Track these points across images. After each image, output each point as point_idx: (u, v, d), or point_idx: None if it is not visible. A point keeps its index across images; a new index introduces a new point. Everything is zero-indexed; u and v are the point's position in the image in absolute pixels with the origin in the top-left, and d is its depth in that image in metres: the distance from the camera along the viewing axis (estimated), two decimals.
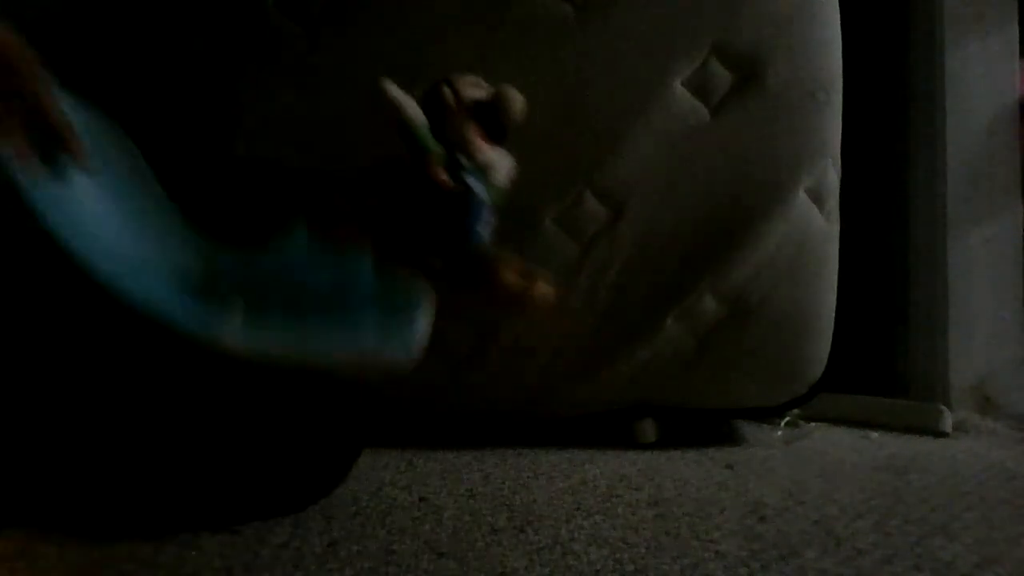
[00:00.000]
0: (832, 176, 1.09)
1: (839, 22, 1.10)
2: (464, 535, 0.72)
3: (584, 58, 1.04)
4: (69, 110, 0.59)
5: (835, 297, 1.11)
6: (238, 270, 0.63)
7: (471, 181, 0.70)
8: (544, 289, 0.69)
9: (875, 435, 1.18)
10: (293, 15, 1.05)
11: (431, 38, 1.04)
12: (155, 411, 0.62)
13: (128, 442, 0.62)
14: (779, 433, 1.16)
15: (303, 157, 1.05)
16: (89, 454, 0.62)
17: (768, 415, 1.17)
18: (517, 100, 0.73)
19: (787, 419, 1.19)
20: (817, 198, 1.08)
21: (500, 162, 0.71)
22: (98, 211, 0.60)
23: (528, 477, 0.92)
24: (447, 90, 0.70)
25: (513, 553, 0.68)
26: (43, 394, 0.61)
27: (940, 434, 1.19)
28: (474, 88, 0.72)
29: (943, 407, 1.22)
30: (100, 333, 0.60)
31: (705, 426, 1.13)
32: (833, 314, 1.11)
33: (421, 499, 0.82)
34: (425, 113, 0.70)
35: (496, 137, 0.72)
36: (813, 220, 1.08)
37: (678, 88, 1.05)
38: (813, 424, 1.21)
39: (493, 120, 0.72)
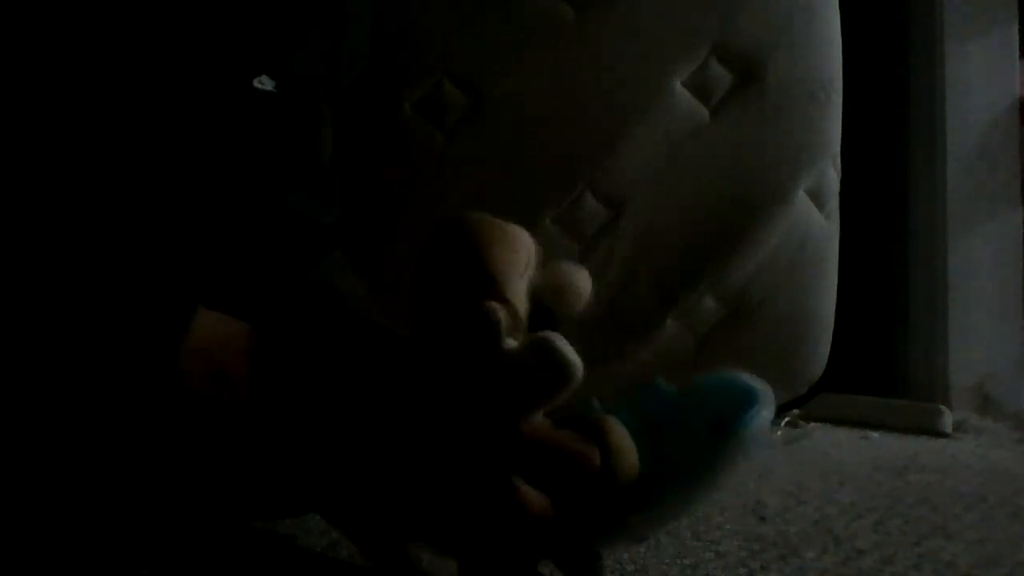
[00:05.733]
0: (832, 176, 1.10)
1: (839, 22, 1.10)
2: None
3: (584, 58, 1.04)
4: None
5: (835, 297, 1.11)
6: None
7: None
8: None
9: (875, 435, 1.18)
10: None
11: (430, 37, 1.04)
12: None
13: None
14: (779, 433, 1.16)
15: None
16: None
17: None
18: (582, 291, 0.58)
19: (787, 419, 1.19)
20: (817, 198, 1.08)
21: None
22: None
23: None
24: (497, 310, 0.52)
25: None
26: None
27: (940, 434, 1.19)
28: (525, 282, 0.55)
29: (943, 407, 1.22)
30: None
31: None
32: (833, 314, 1.11)
33: None
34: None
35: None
36: (813, 220, 1.08)
37: (678, 88, 1.05)
38: (813, 424, 1.21)
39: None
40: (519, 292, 0.54)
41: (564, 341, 0.52)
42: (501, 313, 0.51)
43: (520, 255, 0.56)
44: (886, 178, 1.37)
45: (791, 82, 1.06)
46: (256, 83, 0.67)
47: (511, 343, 0.52)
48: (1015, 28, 1.32)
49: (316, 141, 0.76)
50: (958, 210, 1.31)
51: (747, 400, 0.54)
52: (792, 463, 1.00)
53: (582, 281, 0.58)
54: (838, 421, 1.24)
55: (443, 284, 0.54)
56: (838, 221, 1.11)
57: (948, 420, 1.20)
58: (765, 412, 0.54)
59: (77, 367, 0.53)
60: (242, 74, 0.67)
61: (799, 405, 1.13)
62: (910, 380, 1.34)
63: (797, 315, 1.08)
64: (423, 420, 0.52)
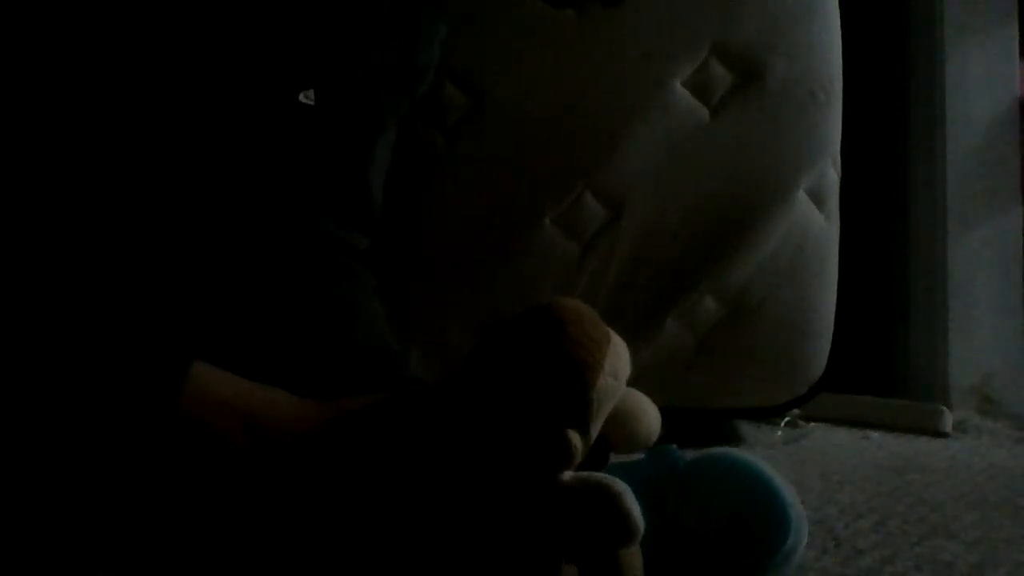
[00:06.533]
0: (832, 176, 1.09)
1: (839, 22, 1.10)
2: None
3: (584, 58, 1.04)
4: None
5: (835, 297, 1.11)
6: None
7: None
8: None
9: (875, 435, 1.18)
10: None
11: None
12: None
13: None
14: (779, 433, 1.16)
15: None
16: None
17: (768, 415, 1.16)
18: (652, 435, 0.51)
19: (787, 419, 1.19)
20: (817, 198, 1.08)
21: None
22: None
23: None
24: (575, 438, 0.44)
25: None
26: None
27: (940, 434, 1.19)
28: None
29: (943, 407, 1.22)
30: None
31: (705, 426, 1.13)
32: (833, 314, 1.11)
33: None
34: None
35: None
36: (813, 220, 1.08)
37: (678, 88, 1.05)
38: (813, 424, 1.21)
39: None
40: (600, 423, 0.47)
41: (630, 493, 0.43)
42: (579, 450, 0.44)
43: (620, 382, 0.47)
44: (886, 178, 1.37)
45: (791, 82, 1.06)
46: (302, 97, 0.65)
47: (566, 474, 0.45)
48: (1015, 28, 1.32)
49: (364, 160, 0.74)
50: (958, 210, 1.31)
51: (781, 527, 0.50)
52: (792, 463, 1.00)
53: (654, 425, 0.50)
54: (838, 421, 1.24)
55: (528, 383, 0.45)
56: (838, 221, 1.11)
57: (948, 420, 1.20)
58: (802, 546, 0.51)
59: (72, 403, 0.51)
60: (288, 87, 0.65)
61: (799, 405, 1.13)
62: (910, 380, 1.34)
63: (797, 315, 1.08)
64: (443, 518, 0.46)
